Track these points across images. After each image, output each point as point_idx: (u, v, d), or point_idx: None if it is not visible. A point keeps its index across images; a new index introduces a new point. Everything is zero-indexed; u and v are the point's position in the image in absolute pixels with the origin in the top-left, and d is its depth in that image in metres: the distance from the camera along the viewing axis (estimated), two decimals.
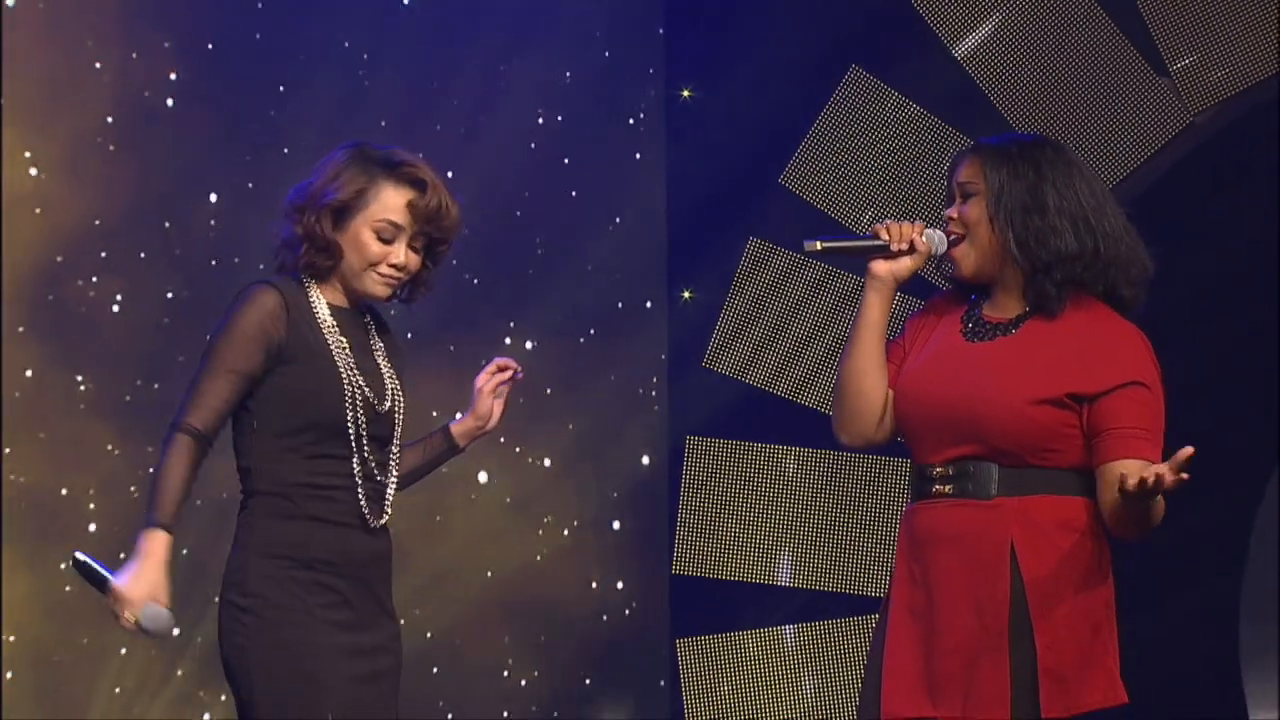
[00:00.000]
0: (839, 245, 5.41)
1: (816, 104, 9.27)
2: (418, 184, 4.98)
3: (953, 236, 5.13)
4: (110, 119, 9.40)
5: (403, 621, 8.77)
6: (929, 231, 5.12)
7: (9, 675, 8.83)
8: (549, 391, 9.92)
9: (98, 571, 5.02)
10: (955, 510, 5.03)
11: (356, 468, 5.04)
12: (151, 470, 5.33)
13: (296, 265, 5.00)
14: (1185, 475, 4.60)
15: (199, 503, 8.74)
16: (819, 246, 5.27)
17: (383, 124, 9.84)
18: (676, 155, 10.07)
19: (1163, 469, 4.58)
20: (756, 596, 9.41)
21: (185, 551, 8.78)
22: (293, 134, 10.11)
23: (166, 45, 9.54)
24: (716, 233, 9.48)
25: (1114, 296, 5.09)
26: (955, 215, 5.12)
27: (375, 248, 4.96)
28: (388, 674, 5.15)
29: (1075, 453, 4.98)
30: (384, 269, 4.97)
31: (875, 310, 5.25)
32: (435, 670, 9.76)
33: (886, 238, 5.19)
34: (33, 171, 9.65)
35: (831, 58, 9.34)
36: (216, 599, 5.31)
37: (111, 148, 9.28)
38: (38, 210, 9.53)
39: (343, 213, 4.96)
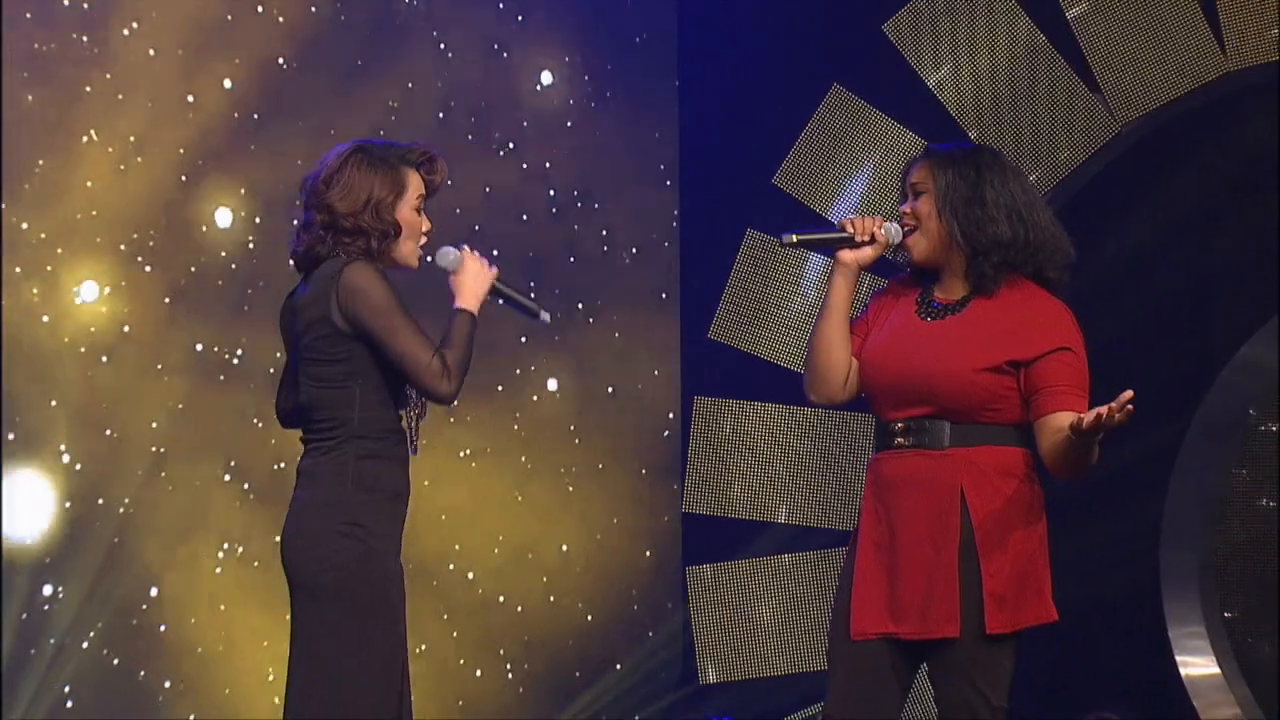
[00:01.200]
0: (811, 237, 5.62)
1: (805, 115, 9.68)
2: (429, 163, 5.33)
3: (907, 228, 5.40)
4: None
5: (458, 547, 10.16)
6: (887, 224, 5.41)
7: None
8: (587, 362, 10.59)
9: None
10: (914, 459, 5.32)
11: (414, 411, 5.35)
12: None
13: (352, 249, 5.20)
14: (1131, 408, 4.89)
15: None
16: (794, 239, 5.54)
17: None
18: (688, 166, 10.70)
19: (1109, 407, 4.89)
20: (753, 531, 9.79)
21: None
22: None
23: None
24: (721, 226, 9.89)
25: (1043, 278, 5.35)
26: (909, 210, 5.38)
27: (417, 222, 5.27)
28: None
29: (1014, 410, 5.25)
30: (421, 238, 5.32)
31: (841, 291, 5.51)
32: (476, 583, 10.31)
33: (851, 230, 5.45)
34: None
35: (817, 75, 9.78)
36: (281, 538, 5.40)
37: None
38: None
39: (390, 204, 5.23)
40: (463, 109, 10.46)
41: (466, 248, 5.35)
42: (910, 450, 5.33)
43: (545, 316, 5.59)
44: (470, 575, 10.21)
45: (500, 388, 10.48)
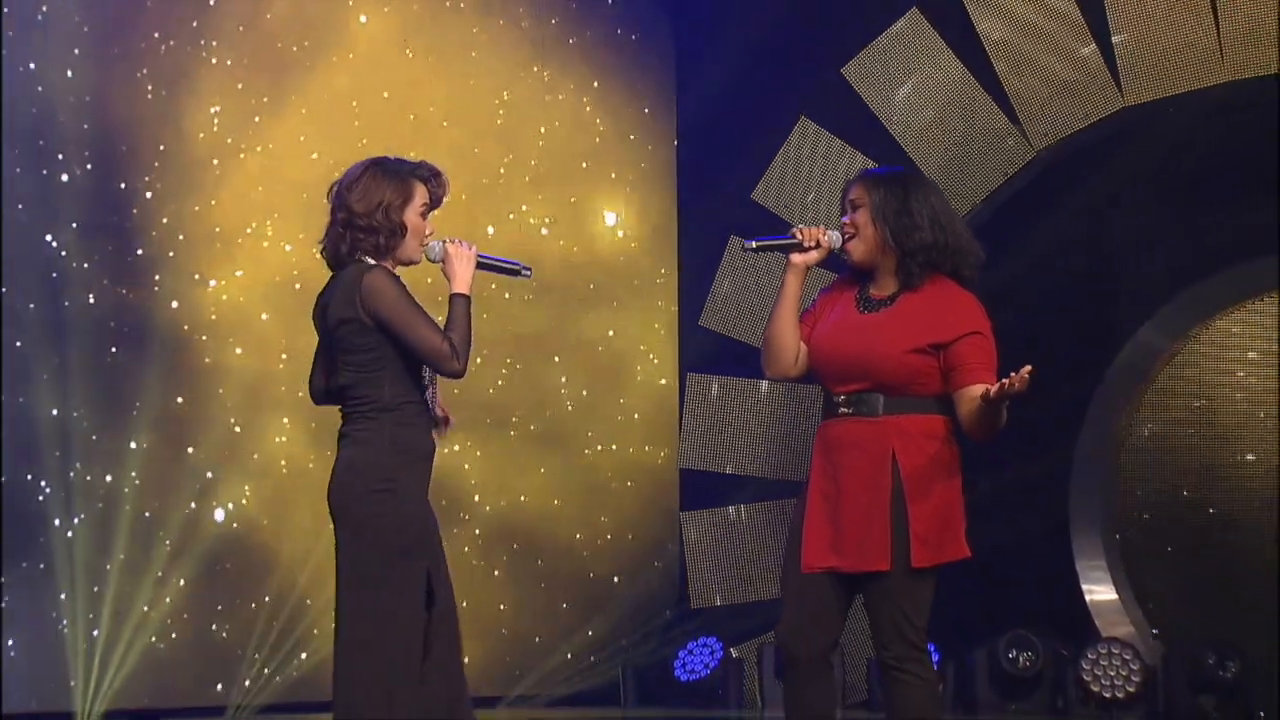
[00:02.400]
0: (768, 243, 5.71)
1: (776, 144, 10.40)
2: (434, 177, 5.43)
3: (847, 235, 5.55)
4: None
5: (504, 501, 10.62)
6: (830, 232, 5.57)
7: None
8: (600, 347, 11.34)
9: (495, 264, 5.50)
10: (854, 425, 5.48)
11: (428, 386, 5.42)
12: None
13: (364, 249, 5.31)
14: (1028, 378, 5.05)
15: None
16: (754, 245, 5.70)
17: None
18: (686, 180, 11.49)
19: (1011, 377, 5.08)
20: (736, 483, 10.63)
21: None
22: None
23: None
24: (710, 234, 10.55)
25: (959, 275, 5.52)
26: (849, 221, 5.53)
27: (420, 225, 5.35)
28: (438, 528, 5.43)
29: (936, 384, 5.43)
30: (424, 239, 5.39)
31: (793, 288, 5.63)
32: (520, 522, 11.04)
33: (801, 238, 5.59)
34: None
35: (787, 109, 10.45)
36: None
37: None
38: None
39: (398, 208, 5.34)
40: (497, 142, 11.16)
41: (448, 239, 5.47)
42: (851, 418, 5.50)
43: (526, 272, 5.66)
44: (517, 516, 11.05)
45: (520, 367, 11.08)
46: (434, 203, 5.46)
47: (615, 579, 11.32)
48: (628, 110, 11.76)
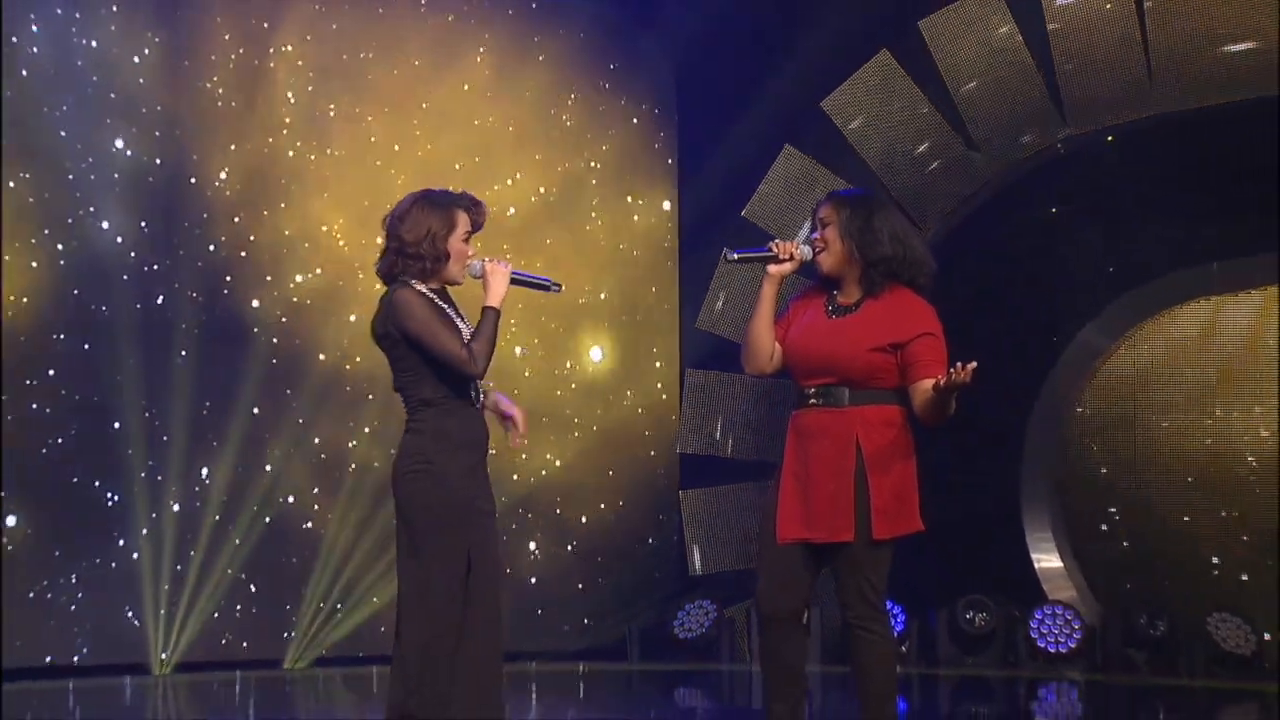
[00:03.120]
0: (748, 256, 5.77)
1: (764, 168, 10.57)
2: (474, 207, 5.50)
3: (818, 249, 5.63)
4: None
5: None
6: (802, 246, 5.65)
7: None
8: (610, 348, 11.54)
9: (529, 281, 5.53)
10: (822, 415, 5.56)
11: (475, 390, 5.45)
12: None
13: (411, 272, 5.38)
14: (971, 370, 5.15)
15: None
16: (735, 257, 5.78)
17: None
18: (685, 207, 11.79)
19: (955, 369, 5.19)
20: (727, 466, 10.84)
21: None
22: None
23: None
24: (706, 248, 10.74)
25: (915, 285, 5.61)
26: (819, 236, 5.62)
27: (463, 249, 5.41)
28: (492, 514, 5.50)
29: (893, 379, 5.52)
30: (466, 261, 5.42)
31: (769, 295, 5.71)
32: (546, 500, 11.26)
33: (777, 250, 5.66)
34: None
35: (772, 137, 10.66)
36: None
37: None
38: None
39: (443, 236, 5.41)
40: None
41: (487, 259, 5.49)
42: (820, 408, 5.58)
43: (556, 288, 5.70)
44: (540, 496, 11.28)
45: (546, 357, 11.27)
46: (475, 228, 5.51)
47: (620, 549, 11.46)
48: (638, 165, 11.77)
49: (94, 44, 10.36)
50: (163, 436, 10.38)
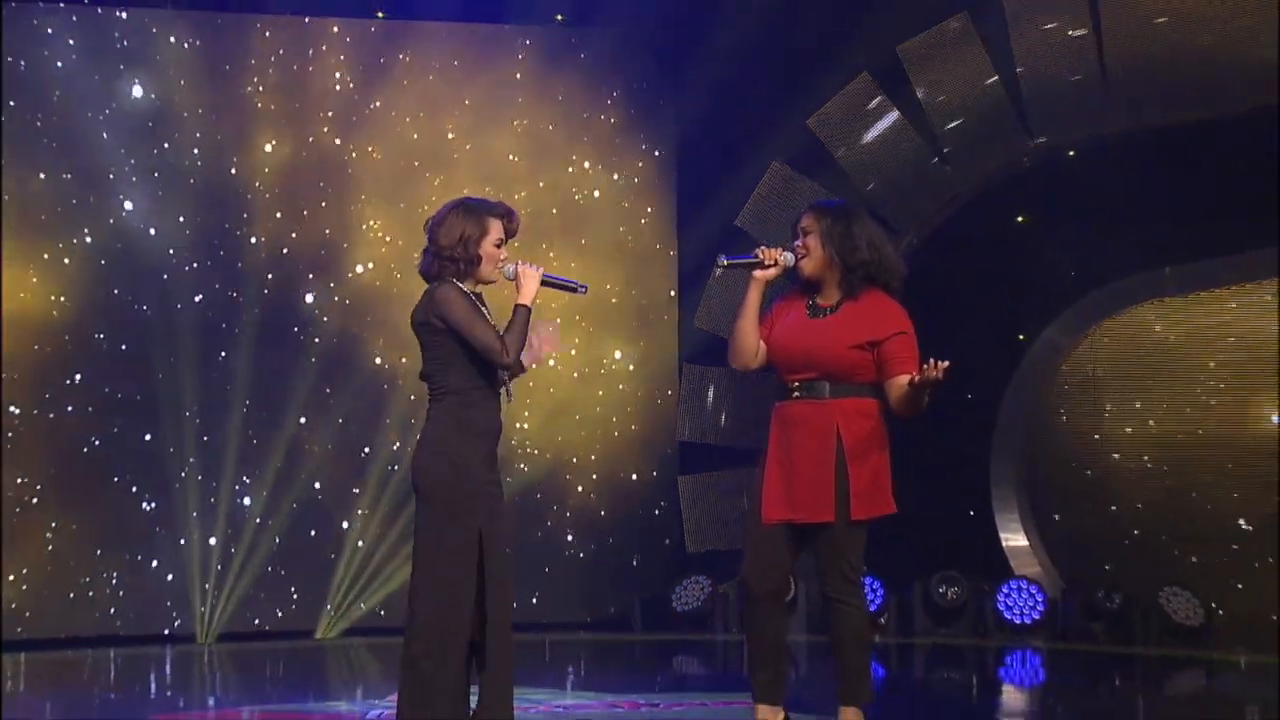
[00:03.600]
0: (737, 262, 5.87)
1: (754, 181, 10.77)
2: (508, 214, 5.52)
3: (800, 255, 5.74)
4: None
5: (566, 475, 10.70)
6: (785, 253, 5.75)
7: None
8: (617, 351, 11.56)
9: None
10: (804, 406, 5.66)
11: (501, 375, 5.49)
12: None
13: (448, 273, 5.40)
14: (943, 369, 5.30)
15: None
16: (725, 263, 5.87)
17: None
18: (683, 216, 11.77)
19: (927, 365, 5.33)
20: (720, 452, 10.99)
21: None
22: None
23: None
24: (703, 254, 10.70)
25: (889, 288, 5.72)
26: (801, 244, 5.73)
27: (494, 253, 5.44)
28: (501, 497, 5.46)
29: (870, 374, 5.62)
30: (499, 264, 5.44)
31: (754, 298, 5.80)
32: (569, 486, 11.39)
33: (763, 257, 5.77)
34: None
35: (765, 153, 10.84)
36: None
37: None
38: None
39: (475, 241, 5.44)
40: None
41: (520, 262, 5.50)
42: (803, 400, 5.67)
43: (583, 289, 5.70)
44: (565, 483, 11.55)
45: (570, 355, 11.37)
46: (509, 235, 5.52)
47: (624, 530, 11.47)
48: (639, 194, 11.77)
49: (134, 45, 10.43)
50: (203, 437, 10.54)
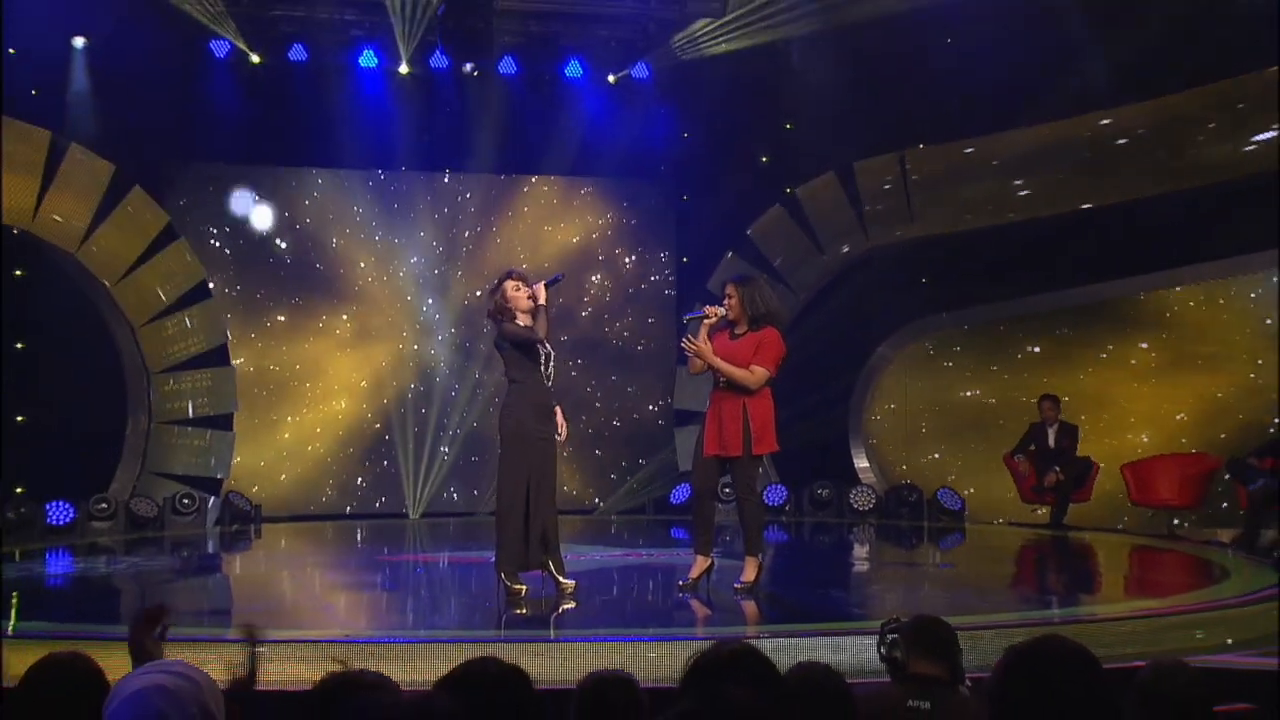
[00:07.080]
0: (693, 317, 7.84)
1: (747, 223, 14.75)
2: (509, 273, 7.37)
3: (727, 309, 7.86)
4: None
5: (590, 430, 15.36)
6: (719, 309, 7.86)
7: None
8: (620, 344, 15.28)
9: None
10: (728, 393, 7.86)
11: (546, 369, 7.37)
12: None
13: (505, 317, 7.25)
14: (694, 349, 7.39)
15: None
16: (687, 318, 7.97)
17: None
18: (680, 246, 15.37)
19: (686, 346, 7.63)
20: (694, 415, 13.97)
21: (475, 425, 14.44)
22: None
23: None
24: (698, 278, 14.56)
25: (777, 325, 7.88)
26: (727, 302, 7.85)
27: (520, 297, 7.26)
28: (553, 440, 7.27)
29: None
30: (526, 299, 7.25)
31: (703, 335, 7.82)
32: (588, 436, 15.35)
33: (708, 312, 7.93)
34: None
35: (741, 223, 14.72)
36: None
37: None
38: None
39: (502, 295, 7.36)
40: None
41: (535, 285, 6.88)
42: (725, 388, 7.66)
43: (561, 277, 7.19)
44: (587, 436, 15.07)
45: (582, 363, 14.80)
46: (520, 278, 7.33)
47: (644, 460, 15.02)
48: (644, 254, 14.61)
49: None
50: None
